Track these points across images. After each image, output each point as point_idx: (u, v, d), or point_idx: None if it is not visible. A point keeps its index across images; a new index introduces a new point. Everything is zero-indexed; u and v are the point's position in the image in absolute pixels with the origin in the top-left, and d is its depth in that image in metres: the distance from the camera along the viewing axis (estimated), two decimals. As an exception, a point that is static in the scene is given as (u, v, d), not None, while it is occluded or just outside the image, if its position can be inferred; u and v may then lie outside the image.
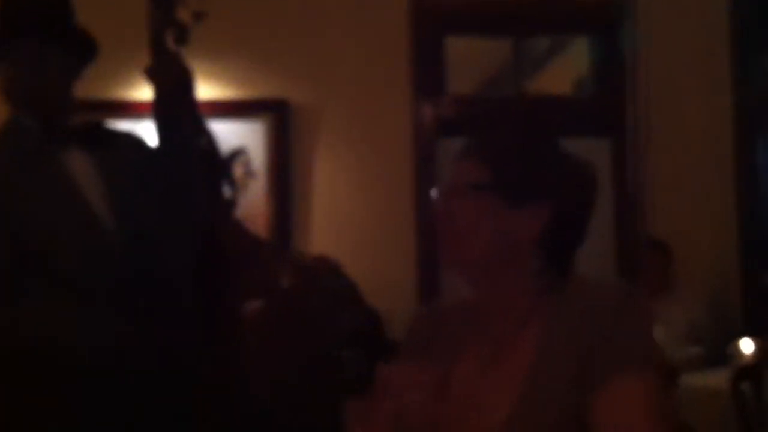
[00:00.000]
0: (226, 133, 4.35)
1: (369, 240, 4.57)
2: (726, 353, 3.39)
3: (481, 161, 1.37)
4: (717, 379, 3.15)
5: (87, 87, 2.27)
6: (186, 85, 2.19)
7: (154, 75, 2.15)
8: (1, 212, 2.05)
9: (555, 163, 1.39)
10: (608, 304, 1.30)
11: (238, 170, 4.26)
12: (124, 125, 2.53)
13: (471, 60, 5.38)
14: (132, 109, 3.98)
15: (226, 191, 2.87)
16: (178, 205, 2.22)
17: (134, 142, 2.31)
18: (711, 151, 4.64)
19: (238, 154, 3.88)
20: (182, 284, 2.19)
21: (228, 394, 2.20)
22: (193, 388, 2.13)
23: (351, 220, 4.61)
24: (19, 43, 2.10)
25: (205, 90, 4.47)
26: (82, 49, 2.20)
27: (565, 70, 5.49)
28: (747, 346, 3.34)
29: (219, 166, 2.54)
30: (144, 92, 2.38)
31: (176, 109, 2.18)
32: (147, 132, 2.32)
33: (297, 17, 4.55)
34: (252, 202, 4.21)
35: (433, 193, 1.42)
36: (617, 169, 4.48)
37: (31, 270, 2.03)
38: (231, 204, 2.92)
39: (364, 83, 4.62)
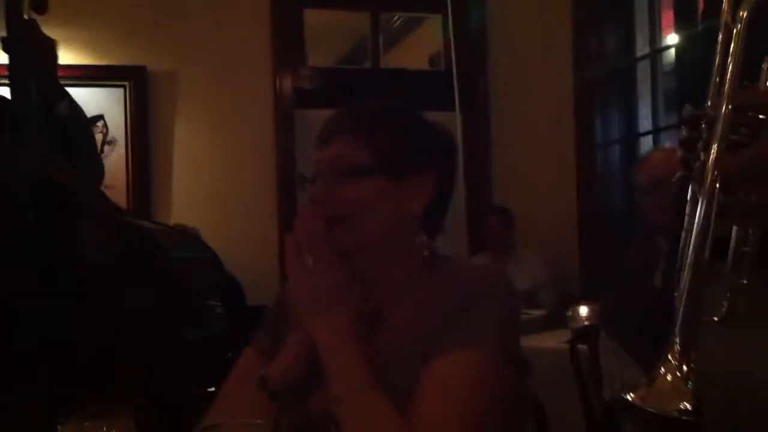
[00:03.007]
0: (85, 99, 4.30)
1: (229, 206, 4.62)
2: (564, 316, 3.61)
3: (356, 140, 1.31)
4: (555, 340, 3.35)
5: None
6: (44, 54, 2.16)
7: (8, 45, 2.09)
8: None
9: (428, 134, 1.38)
10: (469, 288, 1.29)
11: (96, 137, 4.21)
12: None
13: (330, 33, 5.47)
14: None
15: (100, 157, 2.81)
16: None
17: None
18: (553, 125, 4.89)
19: (94, 119, 3.83)
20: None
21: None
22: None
23: (211, 186, 4.64)
24: None
25: (64, 56, 4.42)
26: None
27: (421, 46, 5.65)
28: (584, 309, 3.56)
29: (85, 131, 2.51)
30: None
31: (32, 76, 2.11)
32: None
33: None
34: (111, 169, 4.18)
35: (309, 175, 1.34)
36: (466, 142, 4.65)
37: None
38: (102, 168, 2.84)
39: (224, 52, 4.64)
